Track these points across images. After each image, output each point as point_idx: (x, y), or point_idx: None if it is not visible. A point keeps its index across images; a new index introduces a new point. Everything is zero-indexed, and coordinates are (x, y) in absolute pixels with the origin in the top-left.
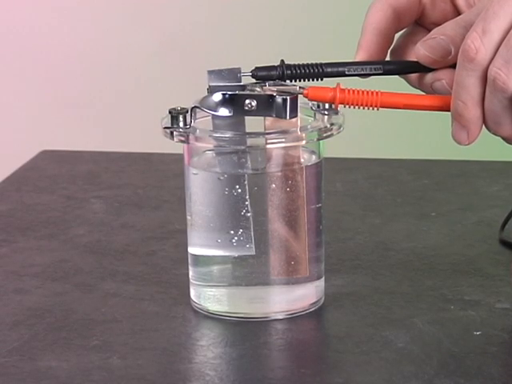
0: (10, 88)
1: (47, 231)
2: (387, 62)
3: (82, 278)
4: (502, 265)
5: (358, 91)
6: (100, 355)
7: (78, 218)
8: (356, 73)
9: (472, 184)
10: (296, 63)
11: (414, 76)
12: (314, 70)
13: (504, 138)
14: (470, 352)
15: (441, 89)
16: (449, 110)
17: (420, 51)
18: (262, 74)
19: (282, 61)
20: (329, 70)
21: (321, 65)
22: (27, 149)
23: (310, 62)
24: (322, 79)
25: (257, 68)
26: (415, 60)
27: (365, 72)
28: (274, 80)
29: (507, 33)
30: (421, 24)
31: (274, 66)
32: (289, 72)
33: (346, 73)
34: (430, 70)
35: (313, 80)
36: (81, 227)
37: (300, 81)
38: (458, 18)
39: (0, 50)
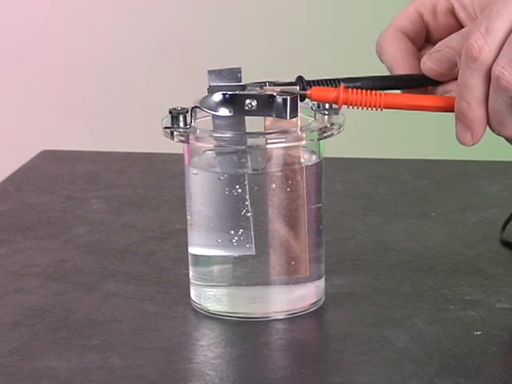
0: (10, 88)
1: (47, 231)
2: (397, 76)
3: (82, 278)
4: (501, 265)
5: (362, 92)
6: (100, 355)
7: (78, 217)
8: (369, 86)
9: (472, 184)
10: (313, 79)
11: (425, 91)
12: (330, 85)
13: (508, 139)
14: (470, 352)
15: None
16: (452, 111)
17: (426, 64)
18: None
19: (301, 77)
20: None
21: (337, 80)
22: (27, 149)
23: (326, 78)
24: None
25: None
26: (422, 74)
27: (377, 85)
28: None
29: (511, 32)
30: (428, 40)
31: (292, 83)
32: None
33: (360, 86)
34: (437, 82)
35: None
36: (81, 227)
37: None
38: (463, 29)
39: (0, 50)
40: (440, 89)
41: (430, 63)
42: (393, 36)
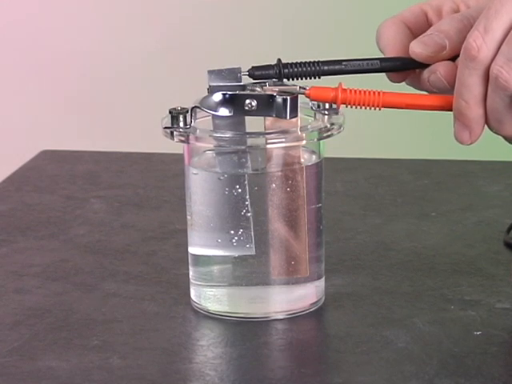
0: (10, 88)
1: (47, 231)
2: (384, 58)
3: (82, 278)
4: (502, 265)
5: (360, 91)
6: (100, 355)
7: (78, 217)
8: (353, 69)
9: (472, 184)
10: (293, 62)
11: (415, 76)
12: (311, 68)
13: (506, 138)
14: (470, 352)
15: (436, 82)
16: (451, 110)
17: (414, 49)
18: (259, 74)
19: (279, 59)
20: (325, 67)
21: (318, 62)
22: (27, 149)
23: (306, 60)
24: (319, 77)
25: (253, 67)
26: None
27: (362, 67)
28: (271, 79)
29: (509, 31)
30: None
31: (270, 65)
32: (286, 71)
33: (344, 69)
34: (425, 66)
35: (310, 78)
36: (81, 227)
37: (297, 79)
38: (456, 13)
39: (0, 50)
40: (426, 71)
41: (417, 47)
42: (392, 22)
